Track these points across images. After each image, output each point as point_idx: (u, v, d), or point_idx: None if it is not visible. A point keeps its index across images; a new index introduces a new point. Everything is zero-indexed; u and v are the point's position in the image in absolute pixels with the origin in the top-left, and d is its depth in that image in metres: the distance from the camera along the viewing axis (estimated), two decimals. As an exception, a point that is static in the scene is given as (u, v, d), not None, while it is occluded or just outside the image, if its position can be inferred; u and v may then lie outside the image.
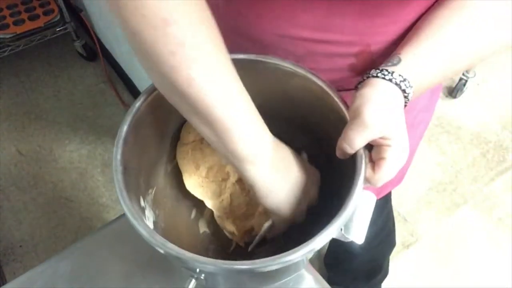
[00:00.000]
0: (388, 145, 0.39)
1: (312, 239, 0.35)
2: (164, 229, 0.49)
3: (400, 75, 0.40)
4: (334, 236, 0.39)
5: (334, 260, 1.17)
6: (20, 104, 1.88)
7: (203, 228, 0.56)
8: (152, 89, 0.44)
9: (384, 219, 0.93)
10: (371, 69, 0.42)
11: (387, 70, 0.41)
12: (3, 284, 0.63)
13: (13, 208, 1.53)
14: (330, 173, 0.47)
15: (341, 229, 0.38)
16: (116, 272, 0.60)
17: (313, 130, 0.50)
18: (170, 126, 0.51)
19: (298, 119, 0.51)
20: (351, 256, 1.03)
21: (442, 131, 1.71)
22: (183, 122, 0.52)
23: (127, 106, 1.83)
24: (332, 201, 0.41)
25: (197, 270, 0.38)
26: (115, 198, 1.55)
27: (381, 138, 0.39)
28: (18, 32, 1.76)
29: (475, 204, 1.50)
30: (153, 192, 0.49)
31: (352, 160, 0.40)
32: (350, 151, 0.40)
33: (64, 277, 0.60)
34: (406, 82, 0.40)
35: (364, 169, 0.39)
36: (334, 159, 0.42)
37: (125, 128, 0.42)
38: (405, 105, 0.42)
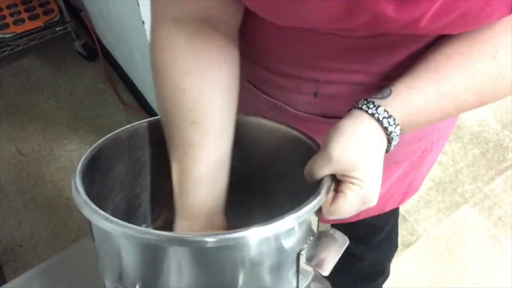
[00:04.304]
0: (352, 183, 0.36)
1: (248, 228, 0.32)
2: None
3: (385, 111, 0.37)
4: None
5: (338, 264, 1.16)
6: (20, 104, 1.88)
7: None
8: None
9: (391, 226, 0.93)
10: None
11: (373, 103, 0.38)
12: (3, 284, 0.63)
13: (13, 208, 1.53)
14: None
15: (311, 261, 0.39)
16: (116, 272, 0.60)
17: None
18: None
19: None
20: (355, 260, 1.03)
21: (442, 130, 1.71)
22: None
23: (127, 106, 1.82)
24: None
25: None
26: (115, 198, 1.54)
27: (344, 175, 0.37)
28: (18, 32, 1.76)
29: (475, 204, 1.50)
30: None
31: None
32: (310, 180, 0.39)
33: (64, 277, 0.60)
34: (390, 120, 0.37)
35: (323, 193, 0.36)
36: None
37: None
38: (388, 149, 0.38)
